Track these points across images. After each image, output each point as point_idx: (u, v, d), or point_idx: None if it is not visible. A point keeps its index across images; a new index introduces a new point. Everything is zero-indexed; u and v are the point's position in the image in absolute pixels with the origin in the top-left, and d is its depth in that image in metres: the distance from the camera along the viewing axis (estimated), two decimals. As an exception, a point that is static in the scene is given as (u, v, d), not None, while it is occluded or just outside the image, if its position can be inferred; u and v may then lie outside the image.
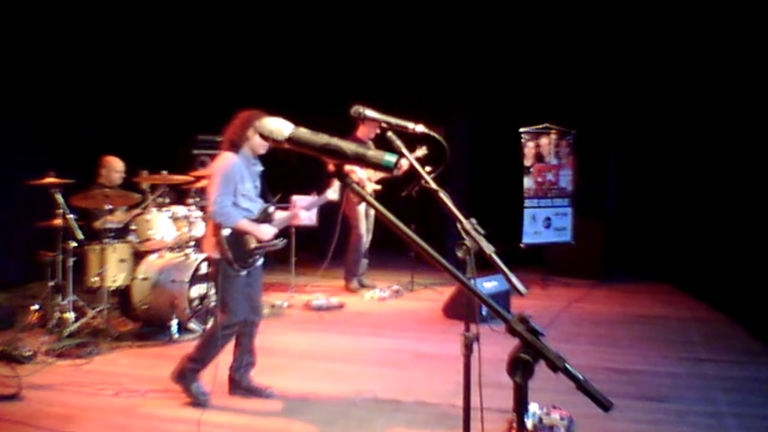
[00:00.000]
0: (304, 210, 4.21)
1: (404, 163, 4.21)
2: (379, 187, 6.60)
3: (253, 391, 3.91)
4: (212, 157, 7.86)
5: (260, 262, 3.86)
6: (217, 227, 3.59)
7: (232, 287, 3.66)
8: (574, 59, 8.04)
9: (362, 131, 6.45)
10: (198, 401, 3.72)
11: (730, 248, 6.64)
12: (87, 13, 7.34)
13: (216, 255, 3.64)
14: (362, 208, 6.91)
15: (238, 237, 3.65)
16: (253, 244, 3.71)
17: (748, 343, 5.28)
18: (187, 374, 3.76)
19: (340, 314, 6.19)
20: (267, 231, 3.77)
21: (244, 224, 3.64)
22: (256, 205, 3.78)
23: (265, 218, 3.81)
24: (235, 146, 3.66)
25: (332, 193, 4.41)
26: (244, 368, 3.91)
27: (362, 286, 7.15)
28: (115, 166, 5.85)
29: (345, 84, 8.06)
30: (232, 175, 3.60)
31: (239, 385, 3.90)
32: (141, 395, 3.92)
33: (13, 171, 6.41)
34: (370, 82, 7.96)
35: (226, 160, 3.63)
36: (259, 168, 3.84)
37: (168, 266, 5.36)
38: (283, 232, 3.99)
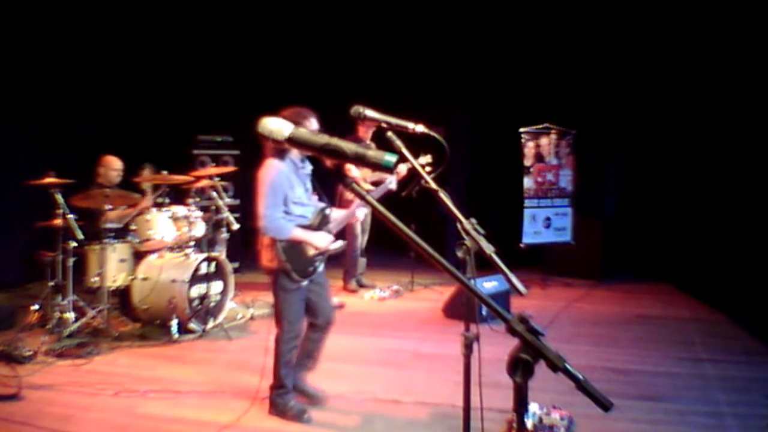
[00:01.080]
0: (363, 209, 3.96)
1: (402, 169, 4.14)
2: (372, 188, 6.63)
3: (305, 393, 3.77)
4: (213, 157, 7.91)
5: (322, 267, 3.69)
6: (271, 240, 3.44)
7: (290, 299, 3.52)
8: (574, 59, 8.04)
9: (362, 131, 6.46)
10: (302, 419, 3.57)
11: (730, 248, 6.64)
12: (87, 13, 7.34)
13: (273, 266, 3.48)
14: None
15: (296, 246, 3.47)
16: (311, 252, 3.53)
17: (748, 343, 5.28)
18: (278, 401, 3.61)
19: (340, 314, 6.13)
20: (322, 238, 3.57)
21: (298, 234, 3.46)
22: (310, 209, 3.59)
23: (321, 221, 3.62)
24: (280, 151, 3.42)
25: (392, 182, 4.25)
26: (302, 368, 3.77)
27: (361, 286, 7.15)
28: (112, 165, 5.85)
29: (345, 84, 8.05)
30: (279, 184, 3.40)
31: (294, 387, 3.71)
32: (141, 395, 3.92)
33: (13, 171, 6.41)
34: (370, 82, 7.96)
35: (271, 168, 3.41)
36: (309, 169, 3.63)
37: (168, 266, 5.36)
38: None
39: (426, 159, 5.75)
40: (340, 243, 3.75)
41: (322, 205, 3.68)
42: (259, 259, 3.56)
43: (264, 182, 3.41)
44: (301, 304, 3.60)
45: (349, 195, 6.82)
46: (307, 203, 3.59)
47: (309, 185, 3.64)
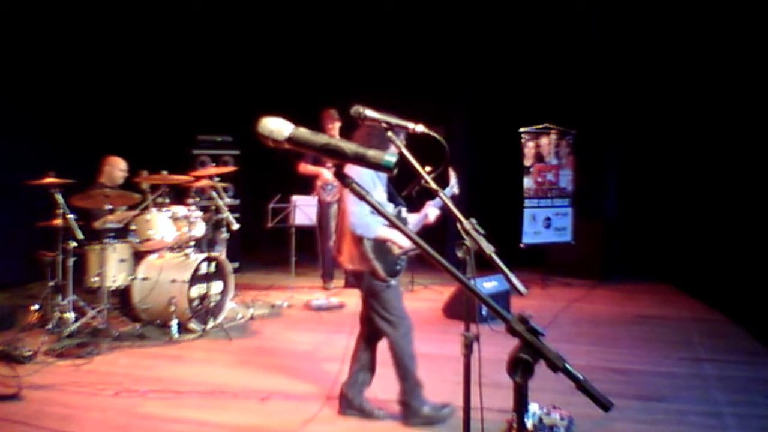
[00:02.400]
0: (435, 208, 3.84)
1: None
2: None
3: (365, 412, 3.63)
4: (213, 157, 7.92)
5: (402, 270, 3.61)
6: (358, 239, 3.38)
7: (390, 295, 3.48)
8: (573, 59, 8.04)
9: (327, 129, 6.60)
10: (441, 418, 3.49)
11: (730, 248, 6.64)
12: (88, 13, 7.34)
13: (360, 267, 3.44)
14: (335, 208, 6.96)
15: (382, 246, 3.43)
16: (396, 251, 3.48)
17: (748, 343, 5.28)
18: (413, 407, 3.50)
19: (340, 314, 6.19)
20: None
21: (385, 232, 3.40)
22: (388, 209, 3.51)
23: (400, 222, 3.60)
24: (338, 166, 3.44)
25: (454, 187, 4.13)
26: (359, 386, 3.66)
27: (354, 285, 7.18)
28: (118, 165, 5.87)
29: (345, 84, 8.06)
30: (364, 182, 3.28)
31: (351, 404, 3.63)
32: (141, 395, 3.91)
33: (13, 171, 6.40)
34: (370, 82, 7.96)
35: (359, 169, 3.44)
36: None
37: (168, 266, 5.36)
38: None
39: (428, 168, 5.75)
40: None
41: (398, 207, 3.65)
42: (345, 261, 3.51)
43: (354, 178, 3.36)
44: (401, 298, 3.57)
45: (326, 197, 6.86)
46: (387, 204, 3.55)
47: (387, 188, 3.61)
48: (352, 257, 3.45)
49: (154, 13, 7.84)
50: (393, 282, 3.49)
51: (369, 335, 3.68)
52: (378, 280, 3.43)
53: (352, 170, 3.33)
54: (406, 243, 3.46)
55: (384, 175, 3.50)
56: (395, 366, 3.52)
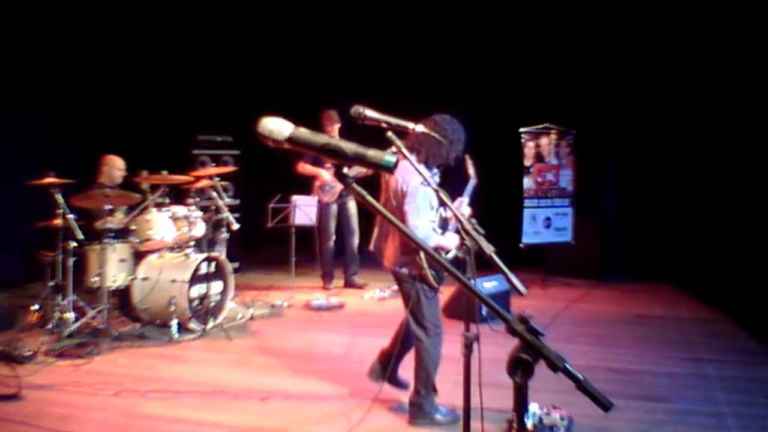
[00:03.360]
0: (465, 204, 3.74)
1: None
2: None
3: (399, 384, 3.78)
4: (213, 157, 7.92)
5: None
6: (414, 248, 3.32)
7: (432, 303, 3.48)
8: (573, 59, 8.04)
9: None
10: (452, 419, 3.52)
11: (730, 248, 6.64)
12: (88, 13, 7.34)
13: (409, 272, 3.41)
14: (334, 209, 6.97)
15: (434, 251, 3.36)
16: (444, 256, 3.43)
17: (748, 343, 5.28)
18: (425, 411, 3.51)
19: (340, 314, 6.19)
20: (454, 239, 3.48)
21: (440, 240, 3.39)
22: (436, 214, 3.47)
23: (443, 223, 3.52)
24: (430, 159, 3.36)
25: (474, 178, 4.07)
26: (397, 360, 3.75)
27: (353, 285, 7.18)
28: (116, 164, 5.87)
29: (345, 84, 8.06)
30: (428, 193, 3.26)
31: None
32: (141, 395, 3.92)
33: (13, 171, 6.41)
34: (371, 82, 7.96)
35: (418, 177, 3.12)
36: (437, 177, 3.50)
37: (168, 266, 5.36)
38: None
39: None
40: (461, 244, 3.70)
41: (440, 207, 3.56)
42: (386, 259, 3.50)
43: (415, 190, 3.25)
44: (439, 306, 3.59)
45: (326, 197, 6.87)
46: (435, 206, 3.48)
47: None
48: (401, 262, 3.43)
49: (154, 13, 7.84)
50: (440, 288, 3.48)
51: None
52: (430, 288, 3.41)
53: (415, 178, 3.20)
54: (455, 245, 3.46)
55: (437, 181, 3.42)
56: (419, 369, 3.51)
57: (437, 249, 3.37)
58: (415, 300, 3.44)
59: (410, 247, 3.33)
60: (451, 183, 3.30)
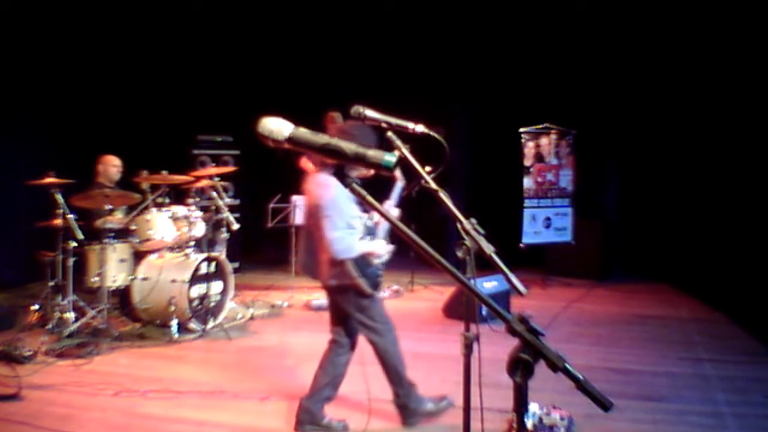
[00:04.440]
0: (394, 206, 3.72)
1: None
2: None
3: (325, 427, 3.52)
4: (213, 157, 7.91)
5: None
6: (341, 260, 3.31)
7: (373, 308, 3.45)
8: (573, 59, 8.04)
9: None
10: (441, 410, 3.55)
11: (730, 248, 6.64)
12: (88, 13, 7.34)
13: (343, 283, 3.36)
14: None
15: (362, 259, 3.36)
16: (375, 261, 3.45)
17: (748, 343, 5.28)
18: (412, 408, 3.51)
19: (340, 314, 6.18)
20: (382, 246, 3.48)
21: (364, 247, 3.36)
22: (360, 221, 3.43)
23: (369, 230, 3.50)
24: (339, 168, 3.35)
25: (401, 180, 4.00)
26: (324, 401, 3.56)
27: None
28: (112, 162, 5.86)
29: (345, 84, 8.06)
30: (343, 205, 3.23)
31: (314, 418, 3.48)
32: (141, 395, 3.92)
33: (13, 171, 6.41)
34: (370, 82, 7.96)
35: (330, 189, 3.21)
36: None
37: (168, 266, 5.36)
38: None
39: (428, 168, 5.73)
40: (391, 247, 3.66)
41: (363, 214, 3.53)
42: (317, 277, 3.45)
43: (327, 204, 3.21)
44: (383, 303, 3.56)
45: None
46: (359, 215, 3.44)
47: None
48: (332, 275, 3.37)
49: (154, 14, 7.83)
50: (377, 294, 3.47)
51: (334, 342, 3.59)
52: (364, 296, 3.38)
53: (326, 192, 3.18)
54: (384, 249, 3.48)
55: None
56: (387, 372, 3.52)
57: (366, 256, 3.36)
58: (356, 309, 3.41)
59: (340, 262, 3.28)
60: (378, 185, 3.30)
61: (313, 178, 3.34)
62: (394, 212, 3.67)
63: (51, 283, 5.31)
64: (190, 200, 6.02)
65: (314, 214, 3.28)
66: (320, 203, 3.24)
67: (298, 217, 6.57)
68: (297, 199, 6.64)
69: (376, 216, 3.63)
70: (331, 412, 3.69)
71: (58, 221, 5.18)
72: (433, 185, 1.89)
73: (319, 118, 6.91)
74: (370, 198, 1.33)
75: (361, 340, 5.21)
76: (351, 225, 3.31)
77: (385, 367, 3.52)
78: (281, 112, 1.35)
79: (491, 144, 8.52)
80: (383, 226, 3.59)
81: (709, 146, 7.10)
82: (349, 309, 3.44)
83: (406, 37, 8.29)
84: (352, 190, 1.29)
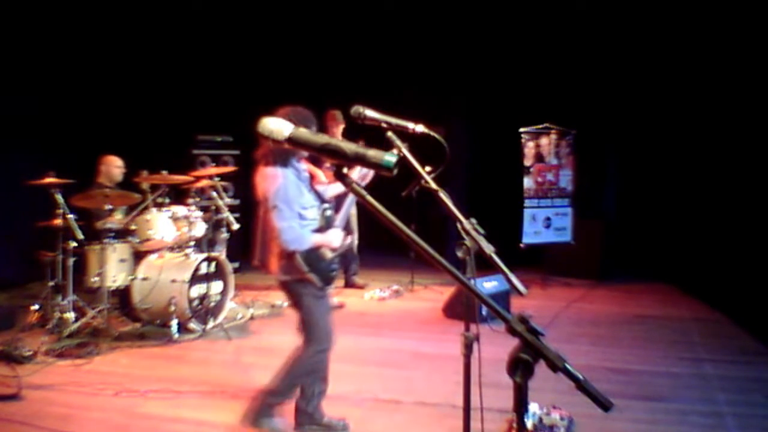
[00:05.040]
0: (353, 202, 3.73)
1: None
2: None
3: (325, 426, 3.46)
4: (213, 157, 7.91)
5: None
6: (290, 252, 3.21)
7: (320, 308, 3.32)
8: (573, 59, 8.04)
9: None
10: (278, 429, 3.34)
11: (730, 248, 6.64)
12: (88, 13, 7.34)
13: (293, 277, 3.27)
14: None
15: (314, 252, 3.25)
16: (329, 254, 3.32)
17: (748, 343, 5.28)
18: (263, 410, 3.33)
19: (340, 314, 6.18)
20: (336, 236, 3.37)
21: (317, 239, 3.25)
22: (316, 210, 3.35)
23: (327, 221, 3.40)
24: (283, 156, 3.22)
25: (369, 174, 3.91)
26: (317, 397, 3.46)
27: (353, 286, 7.18)
28: (114, 162, 5.87)
29: (345, 84, 8.06)
30: (293, 196, 3.18)
31: (312, 418, 3.43)
32: (141, 395, 3.92)
33: (13, 171, 6.41)
34: (370, 82, 7.96)
35: (277, 179, 3.17)
36: (306, 173, 3.42)
37: (168, 266, 5.36)
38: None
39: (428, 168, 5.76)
40: (348, 239, 3.61)
41: (321, 204, 3.46)
42: (270, 271, 3.35)
43: (275, 194, 3.16)
44: (330, 312, 3.43)
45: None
46: (314, 204, 3.37)
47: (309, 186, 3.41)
48: (284, 268, 3.27)
49: (154, 13, 7.83)
50: (328, 290, 3.35)
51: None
52: (316, 289, 3.27)
53: (273, 183, 3.12)
54: (338, 243, 3.37)
55: (306, 177, 3.37)
56: (285, 373, 3.32)
57: (319, 247, 3.26)
58: (301, 307, 3.31)
59: (289, 254, 3.19)
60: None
61: (260, 171, 3.27)
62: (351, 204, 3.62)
63: (51, 283, 5.31)
64: (190, 200, 6.02)
65: (264, 206, 3.22)
66: (268, 195, 3.18)
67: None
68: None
69: (347, 207, 3.61)
70: (332, 410, 3.69)
71: (58, 221, 5.18)
72: (433, 185, 1.89)
73: (320, 118, 6.91)
74: (370, 198, 1.33)
75: (362, 340, 5.24)
76: (303, 216, 3.23)
77: (288, 368, 3.33)
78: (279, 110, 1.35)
79: (491, 144, 8.51)
80: (341, 217, 3.52)
81: (709, 146, 7.11)
82: (296, 306, 3.34)
83: (406, 37, 8.29)
84: (352, 190, 1.29)
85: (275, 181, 3.18)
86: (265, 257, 3.38)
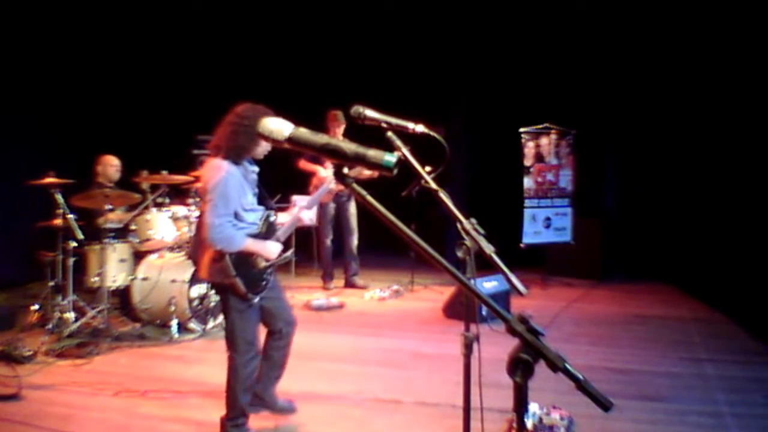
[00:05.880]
0: (306, 209, 3.55)
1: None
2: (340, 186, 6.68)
3: (277, 409, 3.51)
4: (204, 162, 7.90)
5: (273, 279, 3.36)
6: (219, 252, 3.07)
7: (245, 317, 3.17)
8: (573, 59, 8.04)
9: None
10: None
11: (730, 248, 6.64)
12: (87, 13, 7.34)
13: (219, 281, 3.14)
14: (331, 208, 6.98)
15: (246, 258, 3.12)
16: (262, 264, 3.20)
17: (748, 343, 5.28)
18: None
19: (340, 314, 6.19)
20: (274, 248, 3.23)
21: (250, 245, 3.11)
22: (258, 215, 3.25)
23: (268, 228, 3.29)
24: (236, 152, 3.08)
25: (331, 183, 3.94)
26: (271, 381, 3.47)
27: (354, 286, 7.18)
28: (110, 162, 5.86)
29: (345, 84, 8.06)
30: (231, 191, 3.03)
31: (262, 401, 3.44)
32: (141, 395, 3.92)
33: (13, 171, 6.41)
34: (370, 82, 7.96)
35: (220, 172, 3.03)
36: (256, 172, 3.31)
37: (168, 266, 5.36)
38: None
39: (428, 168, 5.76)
40: (287, 254, 3.46)
41: (267, 211, 3.34)
42: (202, 273, 3.24)
43: (213, 188, 3.00)
44: (258, 320, 3.28)
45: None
46: (257, 208, 3.25)
47: (256, 189, 3.31)
48: (210, 271, 3.13)
49: (154, 13, 7.84)
50: (255, 300, 3.19)
51: (269, 333, 3.47)
52: (238, 296, 3.11)
53: (216, 176, 3.00)
54: (274, 255, 3.23)
55: (253, 179, 3.26)
56: (227, 390, 3.22)
57: (247, 255, 3.12)
58: (228, 311, 3.18)
59: (218, 255, 3.06)
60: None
61: (208, 162, 3.16)
62: (308, 214, 3.54)
63: (51, 283, 5.31)
64: (190, 200, 6.01)
65: (202, 199, 3.10)
66: (207, 187, 3.03)
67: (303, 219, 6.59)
68: (297, 199, 6.64)
69: (288, 213, 3.48)
70: (332, 410, 3.69)
71: (58, 221, 5.18)
72: (433, 185, 1.89)
73: (320, 118, 6.92)
74: (370, 198, 1.33)
75: (362, 340, 5.24)
76: (240, 217, 3.10)
77: (228, 386, 3.22)
78: (281, 112, 1.35)
79: (491, 144, 8.51)
80: (286, 228, 3.37)
81: (709, 146, 7.10)
82: (222, 309, 3.25)
83: (406, 37, 8.29)
84: (352, 190, 1.29)
85: (217, 174, 3.03)
86: (197, 255, 3.26)
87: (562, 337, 5.24)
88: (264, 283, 3.24)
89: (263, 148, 3.19)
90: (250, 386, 3.28)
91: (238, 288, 3.09)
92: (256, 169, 3.31)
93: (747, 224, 6.45)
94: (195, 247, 3.37)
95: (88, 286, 5.38)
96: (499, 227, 3.78)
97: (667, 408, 3.81)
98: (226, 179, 3.02)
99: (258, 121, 1.32)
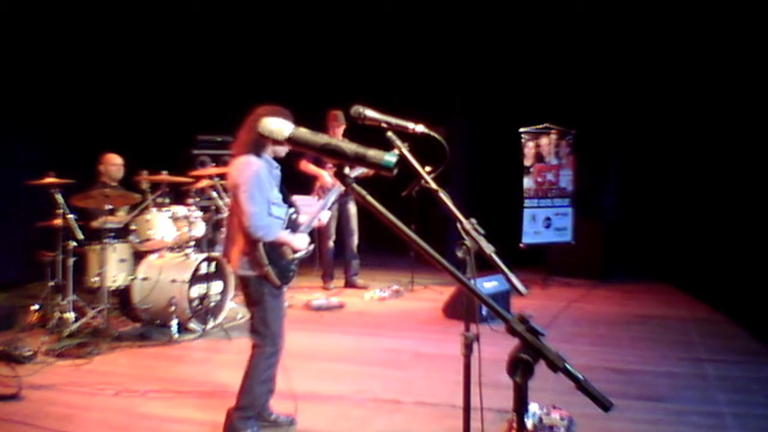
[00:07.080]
0: (326, 210, 3.68)
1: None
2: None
3: (275, 422, 3.49)
4: (213, 157, 7.91)
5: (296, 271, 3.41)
6: (253, 242, 3.15)
7: (274, 307, 3.26)
8: (573, 59, 8.04)
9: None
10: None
11: (730, 248, 6.64)
12: (88, 13, 7.34)
13: (252, 273, 3.20)
14: (333, 209, 6.98)
15: (276, 249, 3.22)
16: (290, 255, 3.30)
17: (748, 343, 5.28)
18: (235, 426, 3.25)
19: (340, 314, 6.19)
20: (303, 239, 3.36)
21: (284, 236, 3.24)
22: (283, 210, 3.34)
23: (290, 224, 3.39)
24: (257, 147, 3.20)
25: (340, 186, 4.07)
26: (266, 395, 3.46)
27: (354, 286, 7.18)
28: (112, 161, 5.86)
29: (345, 84, 8.06)
30: (263, 182, 3.15)
31: (260, 416, 3.44)
32: (141, 395, 3.92)
33: (13, 171, 6.41)
34: (370, 82, 7.96)
35: (252, 166, 3.14)
36: (279, 172, 3.39)
37: (168, 266, 5.36)
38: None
39: (427, 168, 5.77)
40: (311, 246, 3.55)
41: (289, 208, 3.45)
42: (231, 265, 3.31)
43: (246, 180, 3.12)
44: (283, 313, 3.39)
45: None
46: (282, 205, 3.35)
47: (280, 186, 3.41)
48: (243, 262, 3.21)
49: (154, 13, 7.84)
50: (284, 289, 3.30)
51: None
52: (272, 286, 3.21)
53: (247, 169, 3.12)
54: (302, 246, 3.34)
55: (277, 175, 3.35)
56: (243, 380, 3.29)
57: (280, 244, 3.24)
58: (258, 302, 3.24)
59: (251, 246, 3.15)
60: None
61: (234, 161, 3.24)
62: (326, 215, 3.64)
63: (51, 283, 5.31)
64: (190, 200, 6.02)
65: (235, 195, 3.16)
66: (239, 182, 3.13)
67: (299, 218, 6.58)
68: (297, 199, 6.63)
69: (307, 209, 3.58)
70: (332, 410, 3.69)
71: (58, 221, 5.18)
72: (433, 185, 1.89)
73: (320, 118, 6.91)
74: (370, 198, 1.33)
75: (362, 340, 5.24)
76: (270, 211, 3.19)
77: (245, 375, 3.29)
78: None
79: (491, 144, 8.52)
80: (306, 225, 3.47)
81: (709, 146, 7.11)
82: (252, 304, 3.29)
83: (406, 37, 8.30)
84: (352, 191, 1.29)
85: (248, 168, 3.15)
86: (229, 250, 3.33)
87: (562, 337, 5.24)
88: (291, 274, 3.33)
89: (283, 147, 3.23)
90: (266, 381, 3.32)
91: (271, 277, 3.18)
92: (278, 169, 3.39)
93: (747, 224, 6.45)
94: (227, 243, 3.41)
95: (88, 286, 5.37)
96: (499, 227, 3.78)
97: (667, 408, 3.81)
98: (258, 171, 3.14)
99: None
